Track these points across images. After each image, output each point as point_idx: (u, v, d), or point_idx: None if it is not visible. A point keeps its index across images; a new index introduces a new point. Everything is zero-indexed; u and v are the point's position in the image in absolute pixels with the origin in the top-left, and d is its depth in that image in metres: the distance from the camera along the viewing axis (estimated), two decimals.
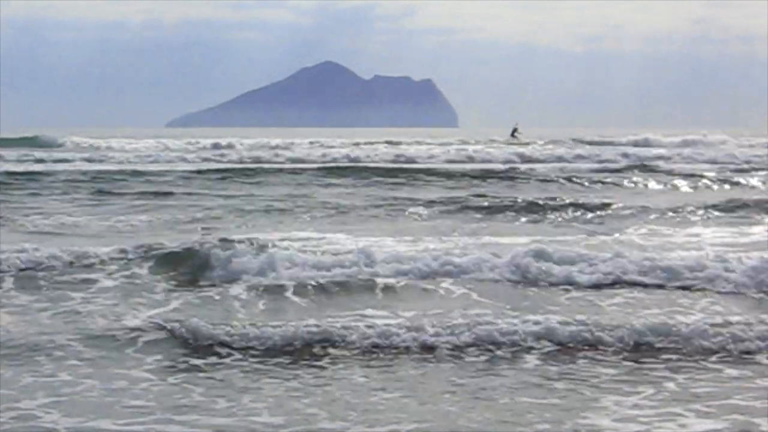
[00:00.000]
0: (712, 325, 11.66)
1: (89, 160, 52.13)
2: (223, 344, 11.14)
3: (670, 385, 9.89)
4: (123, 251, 16.35)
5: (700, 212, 24.37)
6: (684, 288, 14.36)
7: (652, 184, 35.38)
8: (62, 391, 9.55)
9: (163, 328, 11.64)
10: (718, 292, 14.09)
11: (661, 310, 13.01)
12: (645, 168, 42.87)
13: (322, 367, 10.48)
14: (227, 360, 10.74)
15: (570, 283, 14.57)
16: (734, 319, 12.36)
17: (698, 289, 14.26)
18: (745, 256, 15.56)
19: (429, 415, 8.87)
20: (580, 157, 54.30)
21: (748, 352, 10.90)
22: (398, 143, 73.67)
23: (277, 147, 69.51)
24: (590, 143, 72.25)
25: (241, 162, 51.15)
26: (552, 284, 14.57)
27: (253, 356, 10.85)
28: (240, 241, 16.50)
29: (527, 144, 70.44)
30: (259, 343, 11.11)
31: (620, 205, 25.48)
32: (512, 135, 77.32)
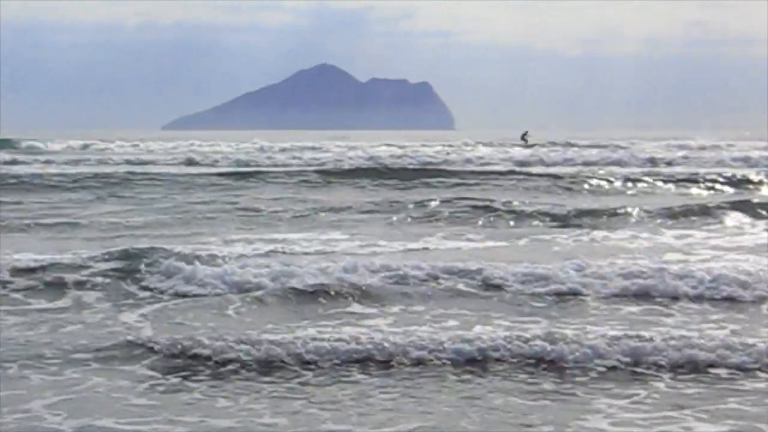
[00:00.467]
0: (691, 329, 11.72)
1: (67, 163, 51.90)
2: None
3: (660, 385, 9.89)
4: (110, 254, 16.31)
5: (695, 214, 24.36)
6: (666, 294, 14.08)
7: (651, 186, 35.36)
8: (67, 392, 9.62)
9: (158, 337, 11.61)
10: (693, 298, 13.88)
11: (641, 311, 13.07)
12: (644, 170, 42.88)
13: (321, 367, 10.48)
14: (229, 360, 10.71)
15: (550, 289, 14.28)
16: (712, 317, 12.48)
17: (676, 297, 13.92)
18: (726, 261, 15.62)
19: (430, 415, 8.94)
20: (572, 160, 54.29)
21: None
22: (403, 146, 73.67)
23: (271, 149, 69.47)
24: (588, 146, 72.40)
25: (238, 165, 51.09)
26: (523, 293, 14.19)
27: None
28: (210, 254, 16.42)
29: (532, 146, 71.03)
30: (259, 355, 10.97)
31: (617, 207, 25.45)
32: (522, 138, 78.17)
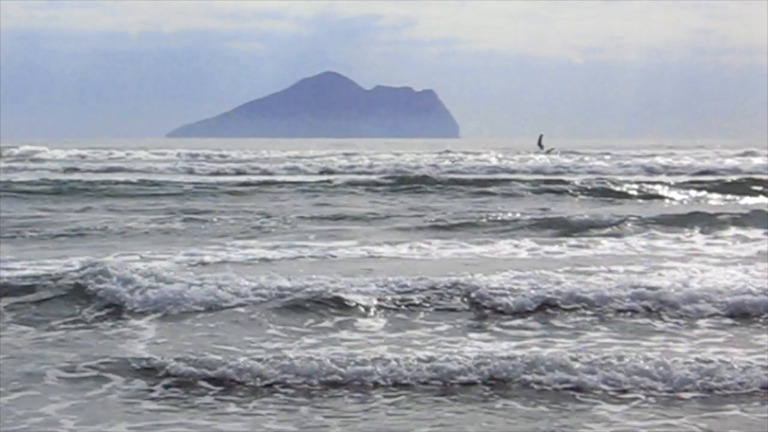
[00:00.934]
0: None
1: (68, 170, 51.92)
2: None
3: (659, 389, 9.99)
4: (113, 261, 16.37)
5: (700, 222, 24.33)
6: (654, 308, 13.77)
7: (658, 194, 35.31)
8: (80, 397, 9.77)
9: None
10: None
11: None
12: (652, 178, 42.95)
13: (327, 376, 10.57)
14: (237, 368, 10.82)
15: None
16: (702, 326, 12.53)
17: (672, 308, 13.63)
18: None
19: (436, 422, 9.07)
20: (583, 167, 54.39)
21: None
22: (412, 153, 73.75)
23: (276, 158, 69.56)
24: (599, 153, 72.57)
25: (243, 172, 51.16)
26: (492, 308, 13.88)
27: None
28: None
29: (549, 151, 71.25)
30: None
31: (623, 216, 25.36)
32: (539, 144, 77.76)
